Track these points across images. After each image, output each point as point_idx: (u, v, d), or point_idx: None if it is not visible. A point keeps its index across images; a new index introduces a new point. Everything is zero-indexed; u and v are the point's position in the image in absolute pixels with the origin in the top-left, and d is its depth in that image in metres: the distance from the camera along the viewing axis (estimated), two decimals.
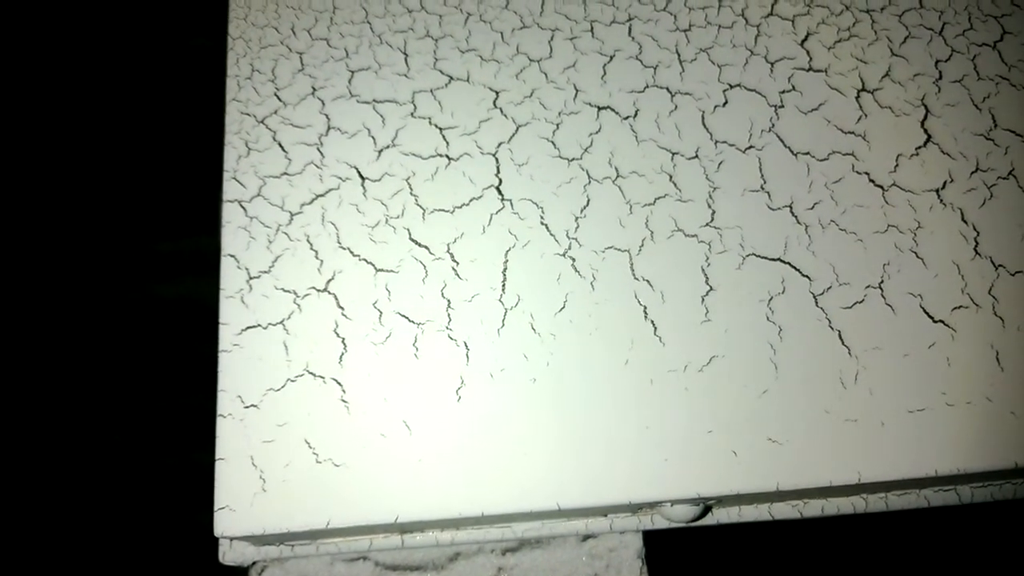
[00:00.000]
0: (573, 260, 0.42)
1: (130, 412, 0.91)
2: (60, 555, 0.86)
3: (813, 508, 0.44)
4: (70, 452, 0.90)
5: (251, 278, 0.42)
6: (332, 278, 0.42)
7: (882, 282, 0.41)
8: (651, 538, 0.46)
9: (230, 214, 0.43)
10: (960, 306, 0.41)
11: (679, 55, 0.46)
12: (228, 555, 0.44)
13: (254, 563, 0.45)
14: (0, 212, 0.93)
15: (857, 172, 0.43)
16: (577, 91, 0.45)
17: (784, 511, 0.44)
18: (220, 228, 0.43)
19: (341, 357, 0.40)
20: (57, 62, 0.98)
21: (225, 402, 0.40)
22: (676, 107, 0.45)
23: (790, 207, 0.43)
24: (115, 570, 0.86)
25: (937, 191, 0.43)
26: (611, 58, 0.46)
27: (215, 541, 0.44)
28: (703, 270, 0.42)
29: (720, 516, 0.44)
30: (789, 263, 0.42)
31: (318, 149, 0.44)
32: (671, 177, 0.43)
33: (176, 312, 0.94)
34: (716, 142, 0.44)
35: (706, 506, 0.41)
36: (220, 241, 0.43)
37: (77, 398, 0.91)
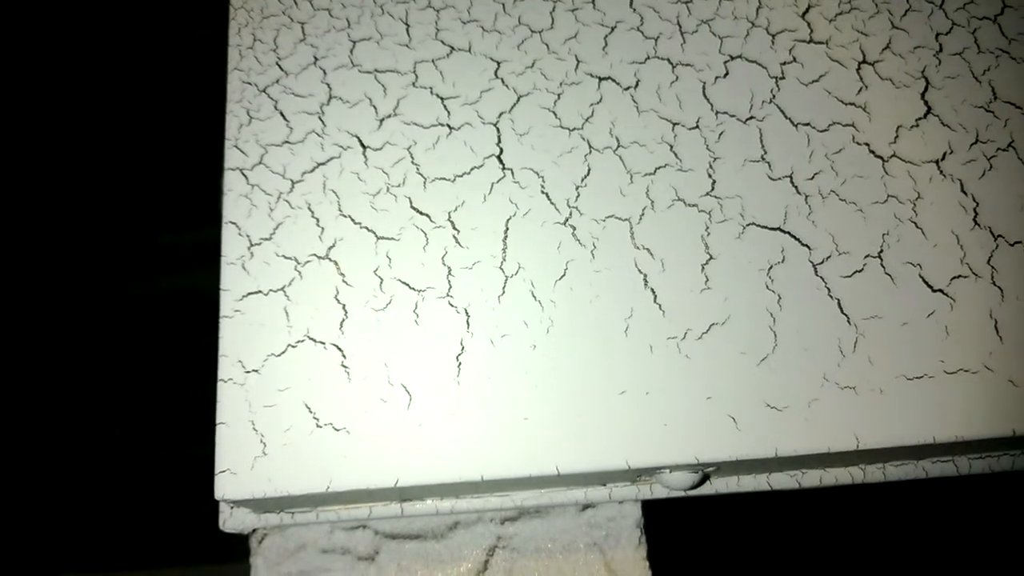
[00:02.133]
0: (574, 229, 0.42)
1: (131, 404, 0.91)
2: (61, 544, 0.86)
3: (811, 478, 0.44)
4: (71, 445, 0.90)
5: (252, 245, 0.42)
6: (333, 245, 0.42)
7: (881, 251, 0.41)
8: (650, 508, 0.46)
9: (231, 182, 0.43)
10: (959, 276, 0.41)
11: (680, 26, 0.46)
12: (228, 522, 0.44)
13: (254, 531, 0.45)
14: (2, 207, 0.93)
15: (857, 143, 0.43)
16: (578, 62, 0.45)
17: (782, 481, 0.44)
18: (222, 197, 0.43)
19: (342, 323, 0.40)
20: (59, 59, 0.98)
21: (226, 367, 0.40)
22: (677, 78, 0.45)
23: (790, 177, 0.43)
24: (120, 553, 0.87)
25: (937, 162, 0.43)
26: (612, 29, 0.46)
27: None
28: (703, 239, 0.42)
29: (718, 486, 0.44)
30: (789, 232, 0.42)
31: (319, 118, 0.45)
32: (672, 147, 0.43)
33: (178, 304, 0.94)
34: (717, 113, 0.44)
35: (704, 474, 0.42)
36: (221, 212, 0.44)
37: (79, 390, 0.91)
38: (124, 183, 0.96)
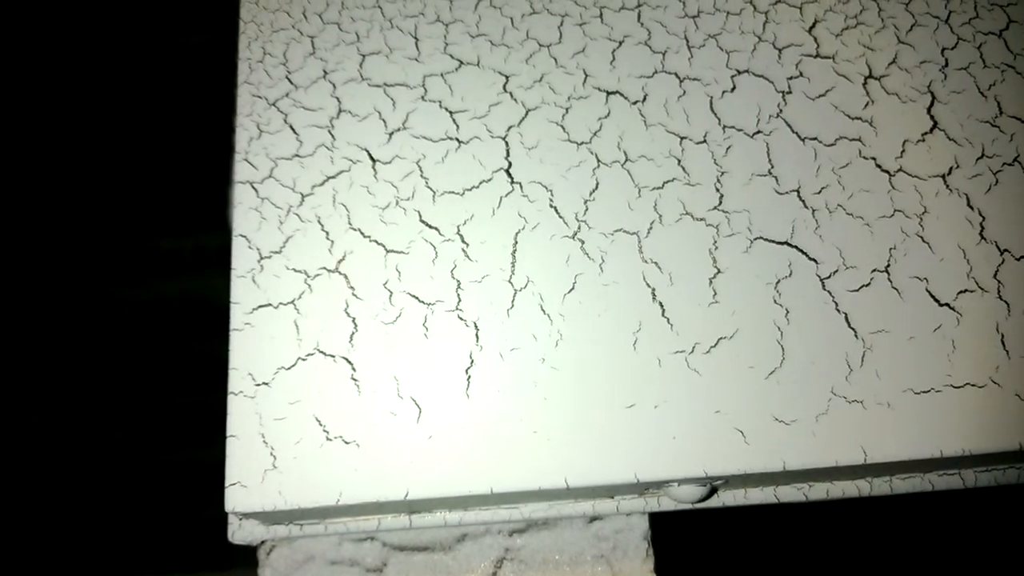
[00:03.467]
0: (582, 242, 0.42)
1: (132, 410, 0.91)
2: (62, 549, 0.86)
3: (818, 491, 0.44)
4: (71, 449, 0.90)
5: (262, 258, 0.42)
6: (343, 259, 0.42)
7: (888, 266, 0.42)
8: (657, 520, 0.46)
9: (241, 195, 0.44)
10: (966, 290, 0.41)
11: (688, 41, 0.46)
12: (237, 534, 0.44)
13: (263, 542, 0.45)
14: (6, 211, 0.93)
15: (864, 157, 0.44)
16: (586, 76, 0.46)
17: (790, 494, 0.44)
18: (231, 210, 0.44)
19: (351, 336, 0.41)
20: (60, 60, 0.98)
21: (236, 380, 0.40)
22: (684, 92, 0.45)
23: (797, 191, 0.43)
24: (121, 558, 0.87)
25: (943, 177, 0.43)
26: (620, 44, 0.46)
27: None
28: (711, 253, 0.42)
29: (726, 499, 0.44)
30: (796, 247, 0.42)
31: (329, 132, 0.45)
32: (679, 161, 0.44)
33: (178, 309, 0.94)
34: (724, 127, 0.44)
35: (712, 487, 0.42)
36: (230, 222, 0.44)
37: (79, 395, 0.91)
38: (126, 187, 0.97)
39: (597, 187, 0.43)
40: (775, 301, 0.41)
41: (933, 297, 0.41)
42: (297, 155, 0.44)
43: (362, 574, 0.45)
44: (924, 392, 0.39)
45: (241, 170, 0.44)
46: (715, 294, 0.41)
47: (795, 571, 0.57)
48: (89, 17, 0.97)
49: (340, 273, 0.42)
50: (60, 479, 0.89)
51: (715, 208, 0.43)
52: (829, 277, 0.41)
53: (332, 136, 0.45)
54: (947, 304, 0.41)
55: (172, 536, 0.87)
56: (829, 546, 0.58)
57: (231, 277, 0.42)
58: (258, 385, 0.40)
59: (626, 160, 0.44)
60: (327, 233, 0.43)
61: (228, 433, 0.39)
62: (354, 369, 0.40)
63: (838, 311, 0.41)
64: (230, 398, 0.40)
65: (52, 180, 0.96)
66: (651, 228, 0.42)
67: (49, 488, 0.89)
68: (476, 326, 0.41)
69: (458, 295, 0.41)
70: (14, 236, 0.94)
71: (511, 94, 0.45)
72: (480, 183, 0.44)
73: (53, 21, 0.97)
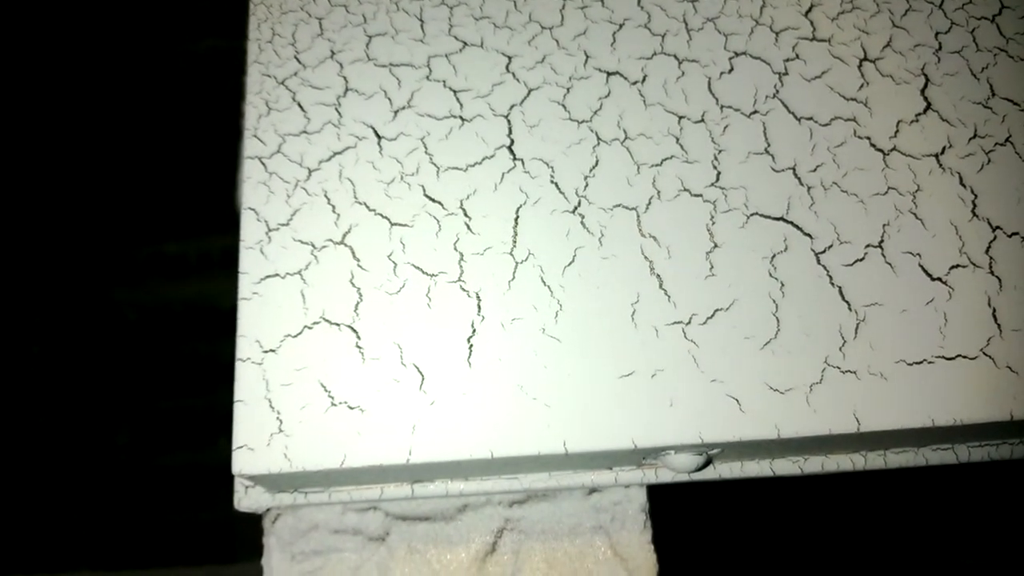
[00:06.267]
0: (582, 217, 0.43)
1: (133, 410, 0.92)
2: (68, 542, 0.87)
3: (813, 464, 0.45)
4: (72, 453, 0.91)
5: (270, 230, 0.43)
6: (348, 231, 0.43)
7: (882, 241, 0.42)
8: (655, 492, 0.47)
9: (250, 170, 0.45)
10: (958, 265, 0.42)
11: (687, 24, 0.47)
12: (244, 501, 0.45)
13: (268, 510, 0.46)
14: (5, 212, 0.95)
15: (859, 137, 0.45)
16: (587, 57, 0.47)
17: (785, 467, 0.45)
18: (240, 184, 0.45)
19: (356, 306, 0.42)
20: (64, 65, 0.99)
21: (244, 347, 0.41)
22: (683, 73, 0.46)
23: (793, 169, 0.44)
24: (125, 552, 0.88)
25: (936, 156, 0.44)
26: (621, 26, 0.48)
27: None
28: (708, 228, 0.43)
29: (722, 470, 0.45)
30: (792, 222, 0.43)
31: (336, 109, 0.46)
32: (678, 139, 0.45)
33: (181, 312, 0.95)
34: (722, 107, 0.45)
35: (708, 456, 0.43)
36: (238, 200, 0.45)
37: (83, 397, 0.92)
38: (133, 192, 0.98)
39: (597, 164, 0.44)
40: (771, 274, 0.42)
41: (926, 272, 0.42)
42: (305, 131, 0.45)
43: (365, 542, 0.46)
44: (916, 363, 0.40)
45: (250, 146, 0.45)
46: (712, 267, 0.42)
47: (790, 543, 0.58)
48: (97, 23, 0.99)
49: (346, 245, 0.43)
50: (64, 477, 0.90)
51: (712, 184, 0.44)
52: (824, 252, 0.42)
53: (339, 113, 0.46)
54: (939, 279, 0.42)
55: (175, 532, 0.88)
56: (824, 519, 0.58)
57: (240, 248, 0.43)
58: (265, 352, 0.41)
59: (626, 138, 0.45)
60: (333, 207, 0.44)
61: (235, 398, 0.40)
62: (359, 337, 0.41)
63: (832, 284, 0.42)
64: (238, 364, 0.41)
65: (60, 186, 0.97)
66: (650, 203, 0.43)
67: (53, 484, 0.89)
68: (478, 297, 0.42)
69: (460, 267, 0.42)
70: (19, 238, 0.95)
71: (513, 74, 0.47)
72: (483, 159, 0.45)
73: (56, 25, 0.98)
